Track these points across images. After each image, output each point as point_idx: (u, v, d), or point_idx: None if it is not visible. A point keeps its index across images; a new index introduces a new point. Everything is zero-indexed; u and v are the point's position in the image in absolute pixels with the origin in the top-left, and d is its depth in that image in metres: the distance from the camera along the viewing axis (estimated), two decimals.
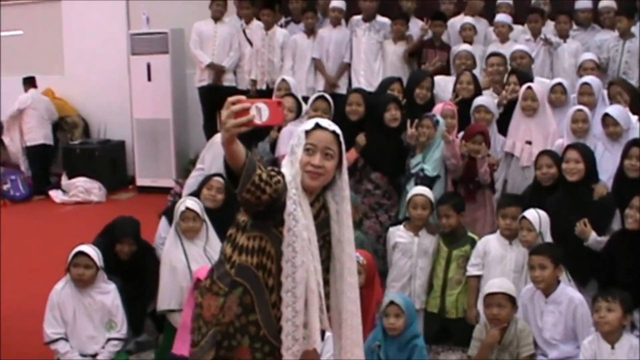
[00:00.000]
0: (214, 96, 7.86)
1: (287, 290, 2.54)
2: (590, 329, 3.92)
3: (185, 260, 4.42)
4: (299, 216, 2.51)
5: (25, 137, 9.31)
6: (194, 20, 8.32)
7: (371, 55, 7.37)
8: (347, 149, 3.11)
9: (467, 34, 6.92)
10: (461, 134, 5.26)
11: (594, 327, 3.86)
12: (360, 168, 5.25)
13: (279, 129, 5.41)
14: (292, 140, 2.62)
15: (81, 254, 4.17)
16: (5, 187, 9.08)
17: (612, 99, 5.46)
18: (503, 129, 5.49)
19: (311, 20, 7.58)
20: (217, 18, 8.12)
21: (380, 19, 7.42)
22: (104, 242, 4.53)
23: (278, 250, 2.54)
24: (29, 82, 9.31)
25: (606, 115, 4.97)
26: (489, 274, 4.47)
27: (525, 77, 5.66)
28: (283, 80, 6.35)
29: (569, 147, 4.71)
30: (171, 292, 4.40)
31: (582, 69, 6.12)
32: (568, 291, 4.10)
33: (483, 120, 5.33)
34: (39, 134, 9.26)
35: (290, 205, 2.51)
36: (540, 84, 5.59)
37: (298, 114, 5.62)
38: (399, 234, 4.78)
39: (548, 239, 4.33)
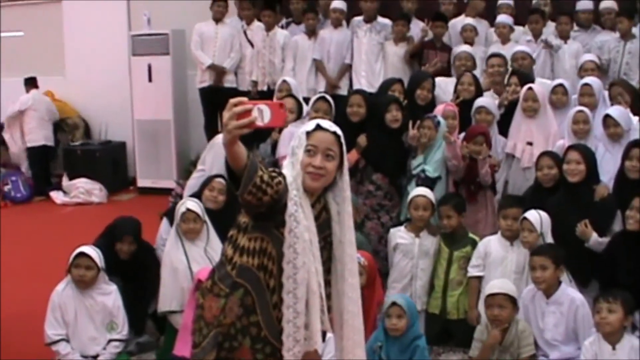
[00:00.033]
0: (215, 97, 7.88)
1: (288, 291, 2.54)
2: (592, 329, 3.92)
3: (186, 261, 4.42)
4: (300, 217, 2.52)
5: (25, 138, 9.31)
6: (195, 21, 8.32)
7: (372, 56, 7.37)
8: (348, 150, 3.11)
9: (468, 35, 6.93)
10: (462, 134, 5.26)
11: (595, 328, 3.86)
12: (362, 169, 5.26)
13: (280, 131, 5.40)
14: (293, 141, 2.62)
15: (82, 255, 4.17)
16: (6, 188, 9.09)
17: (613, 100, 5.46)
18: (504, 130, 5.48)
19: (312, 21, 7.58)
20: (218, 19, 8.13)
21: (381, 20, 7.43)
22: (105, 242, 4.53)
23: (279, 252, 2.54)
24: (31, 83, 9.32)
25: (607, 116, 4.97)
26: (490, 275, 4.48)
27: (526, 78, 5.65)
28: (284, 81, 6.34)
29: (569, 148, 4.70)
30: (172, 293, 4.41)
31: (582, 70, 6.12)
32: (569, 292, 4.10)
33: (484, 121, 5.33)
34: (39, 135, 9.26)
35: (291, 206, 2.51)
36: (541, 85, 5.59)
37: (299, 115, 5.62)
38: (400, 235, 4.78)
39: (549, 239, 4.33)
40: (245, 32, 8.04)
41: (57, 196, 9.00)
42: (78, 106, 9.95)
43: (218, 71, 8.05)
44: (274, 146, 5.51)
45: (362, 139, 5.22)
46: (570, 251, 4.27)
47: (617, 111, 5.01)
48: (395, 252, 4.79)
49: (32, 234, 7.51)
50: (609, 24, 7.02)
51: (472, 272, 4.60)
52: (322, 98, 5.60)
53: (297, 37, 7.69)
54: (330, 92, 7.12)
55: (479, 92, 5.76)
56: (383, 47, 7.36)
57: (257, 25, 7.94)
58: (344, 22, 7.61)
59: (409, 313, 3.94)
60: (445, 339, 4.69)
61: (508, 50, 6.41)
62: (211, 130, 7.84)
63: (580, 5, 7.19)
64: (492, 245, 4.57)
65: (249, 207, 2.51)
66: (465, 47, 6.59)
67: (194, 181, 5.39)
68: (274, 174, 2.48)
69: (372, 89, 6.74)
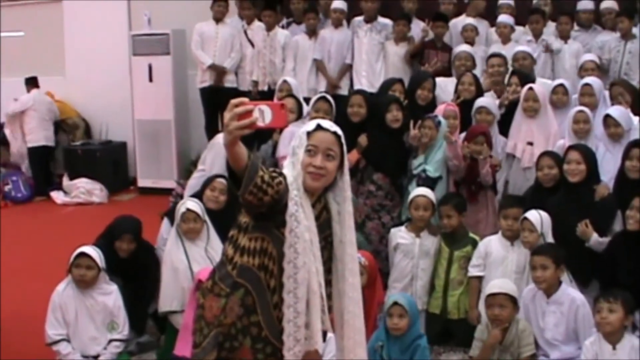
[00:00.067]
0: (216, 97, 7.89)
1: (288, 291, 2.54)
2: (592, 329, 3.92)
3: (186, 261, 4.42)
4: (300, 217, 2.52)
5: (26, 138, 9.32)
6: (195, 21, 8.33)
7: (373, 56, 7.38)
8: (349, 150, 3.11)
9: (469, 35, 6.93)
10: (463, 134, 5.26)
11: (595, 327, 3.86)
12: (362, 169, 5.26)
13: (281, 131, 5.40)
14: (294, 141, 2.62)
15: (83, 255, 4.17)
16: (6, 188, 9.09)
17: (614, 100, 5.46)
18: (504, 130, 5.48)
19: (313, 21, 7.58)
20: (218, 19, 8.13)
21: (381, 20, 7.43)
22: (105, 242, 4.53)
23: (280, 252, 2.54)
24: (32, 83, 9.32)
25: (607, 116, 4.97)
26: (490, 274, 4.48)
27: (526, 78, 5.65)
28: (284, 81, 6.34)
29: (570, 148, 4.70)
30: (173, 293, 4.41)
31: (582, 70, 6.12)
32: (570, 292, 4.10)
33: (484, 121, 5.33)
34: (39, 135, 9.26)
35: (292, 206, 2.51)
36: (542, 85, 5.59)
37: (299, 115, 5.62)
38: (400, 235, 4.78)
39: (550, 239, 4.33)
40: (245, 32, 8.04)
41: (57, 196, 9.00)
42: (78, 106, 9.96)
43: (218, 71, 8.05)
44: (275, 147, 5.51)
45: (362, 139, 5.22)
46: (571, 251, 4.27)
47: (618, 111, 5.01)
48: (395, 252, 4.79)
49: (32, 234, 7.51)
50: (610, 24, 7.02)
51: (473, 272, 4.60)
52: (323, 98, 5.60)
53: (298, 37, 7.69)
54: (331, 92, 7.13)
55: (480, 92, 5.75)
56: (384, 47, 7.36)
57: (258, 25, 7.94)
58: (345, 22, 7.61)
59: (411, 312, 3.94)
60: (445, 338, 4.69)
61: (509, 50, 6.41)
62: (212, 130, 7.84)
63: (581, 5, 7.19)
64: (492, 245, 4.57)
65: (249, 207, 2.51)
66: (465, 47, 6.58)
67: (195, 181, 5.40)
68: (274, 174, 2.48)
69: (372, 89, 6.75)
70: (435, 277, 4.76)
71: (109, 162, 9.41)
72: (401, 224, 4.93)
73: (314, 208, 2.61)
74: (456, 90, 5.84)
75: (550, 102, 5.45)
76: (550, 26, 7.11)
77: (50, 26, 10.04)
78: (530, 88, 5.35)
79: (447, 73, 6.68)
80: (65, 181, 9.12)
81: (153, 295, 4.57)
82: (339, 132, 2.61)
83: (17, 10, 10.12)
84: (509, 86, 5.70)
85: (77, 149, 9.48)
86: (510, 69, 6.03)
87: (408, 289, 4.70)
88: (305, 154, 2.56)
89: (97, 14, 9.63)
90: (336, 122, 2.81)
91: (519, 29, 7.11)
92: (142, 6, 9.29)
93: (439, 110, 5.36)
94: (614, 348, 3.73)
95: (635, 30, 6.71)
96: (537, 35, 6.88)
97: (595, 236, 4.43)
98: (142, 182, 9.22)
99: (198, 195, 4.79)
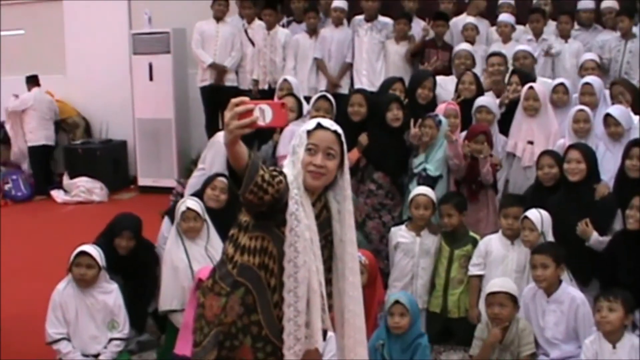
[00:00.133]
0: (216, 96, 7.89)
1: (289, 290, 2.55)
2: (592, 328, 3.92)
3: (186, 260, 4.43)
4: (301, 216, 2.52)
5: (26, 137, 9.33)
6: (195, 20, 8.33)
7: (373, 55, 7.38)
8: (349, 149, 3.11)
9: (469, 34, 6.93)
10: (463, 133, 5.26)
11: (595, 326, 3.86)
12: (363, 168, 5.25)
13: (281, 131, 5.40)
14: (294, 140, 2.62)
15: (83, 253, 4.17)
16: (6, 186, 9.10)
17: (614, 99, 5.46)
18: (505, 129, 5.48)
19: (313, 20, 7.59)
20: (219, 18, 8.13)
21: (382, 19, 7.43)
22: (105, 241, 4.53)
23: (280, 250, 2.55)
24: (32, 81, 9.33)
25: (608, 115, 4.96)
26: (490, 273, 4.48)
27: (527, 77, 5.65)
28: (285, 80, 6.33)
29: (570, 147, 4.70)
30: (173, 292, 4.41)
31: (583, 69, 6.12)
32: (570, 291, 4.10)
33: (484, 120, 5.32)
34: (40, 134, 9.28)
35: (292, 205, 2.51)
36: (542, 84, 5.58)
37: (299, 114, 5.61)
38: (400, 234, 4.78)
39: (550, 238, 4.33)
40: (246, 31, 8.04)
41: (57, 195, 9.02)
42: (79, 105, 9.97)
43: (219, 70, 8.05)
44: (276, 148, 5.51)
45: (363, 138, 5.22)
46: (571, 250, 4.28)
47: (618, 110, 5.01)
48: (396, 251, 4.79)
49: (32, 232, 7.52)
50: (610, 23, 7.02)
51: (473, 270, 4.61)
52: (323, 97, 5.60)
53: (298, 35, 7.69)
54: (332, 91, 7.13)
55: (480, 91, 5.75)
56: (384, 46, 7.37)
57: (258, 24, 7.94)
58: (345, 21, 7.61)
59: (412, 311, 3.94)
60: (446, 337, 4.70)
61: (509, 50, 6.41)
62: (212, 129, 7.84)
63: (581, 5, 7.20)
64: (492, 244, 4.58)
65: (250, 207, 2.51)
66: (465, 46, 6.58)
67: (195, 180, 5.40)
68: (274, 173, 2.49)
69: (373, 88, 6.75)
70: (436, 276, 4.76)
71: (109, 161, 9.42)
72: (402, 223, 4.93)
73: (314, 207, 2.61)
74: (457, 90, 5.84)
75: (551, 101, 5.45)
76: (551, 25, 7.11)
77: (50, 25, 10.05)
78: (531, 87, 5.34)
79: (447, 72, 6.67)
80: (66, 180, 9.13)
81: (153, 294, 4.58)
82: (339, 130, 2.62)
83: (18, 8, 10.12)
84: (509, 85, 5.70)
85: (78, 148, 9.50)
86: (511, 68, 6.03)
87: (408, 288, 4.70)
88: (306, 153, 2.56)
89: (98, 12, 9.63)
90: (337, 121, 2.81)
91: (519, 28, 7.11)
92: (142, 5, 9.30)
93: (440, 109, 5.36)
94: (614, 347, 3.74)
95: (635, 29, 6.71)
96: (537, 34, 6.89)
97: (595, 235, 4.43)
98: (142, 181, 9.23)
99: (199, 194, 4.79)
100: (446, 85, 6.16)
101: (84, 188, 8.90)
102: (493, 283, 4.11)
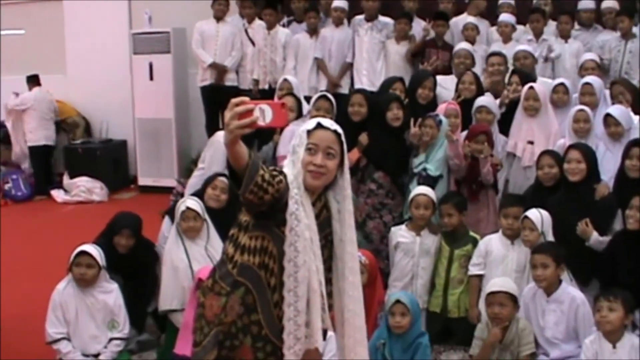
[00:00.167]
0: (216, 96, 7.90)
1: (289, 289, 2.55)
2: (592, 328, 3.92)
3: (186, 260, 4.43)
4: (301, 216, 2.52)
5: (27, 137, 9.32)
6: (196, 20, 8.33)
7: (373, 55, 7.38)
8: (349, 149, 3.11)
9: (470, 34, 6.93)
10: (464, 133, 5.26)
11: (595, 326, 3.86)
12: (363, 168, 5.25)
13: (282, 132, 5.40)
14: (294, 140, 2.63)
15: (83, 253, 4.17)
16: (6, 186, 9.10)
17: (614, 99, 5.46)
18: (505, 129, 5.48)
19: (313, 20, 7.59)
20: (219, 17, 8.13)
21: (382, 18, 7.44)
22: (105, 240, 4.53)
23: (280, 250, 2.55)
24: (33, 81, 9.32)
25: (608, 115, 4.96)
26: (490, 273, 4.48)
27: (527, 77, 5.65)
28: (285, 80, 6.34)
29: (570, 147, 4.71)
30: (173, 292, 4.41)
31: (583, 69, 6.12)
32: (570, 290, 4.10)
33: (484, 120, 5.32)
34: (40, 134, 9.27)
35: (292, 204, 2.51)
36: (542, 84, 5.58)
37: (299, 113, 5.62)
38: (401, 234, 4.78)
39: (550, 238, 4.33)
40: (246, 31, 8.04)
41: (58, 195, 9.02)
42: (79, 105, 9.96)
43: (219, 70, 8.05)
44: (276, 148, 5.51)
45: (363, 138, 5.22)
46: (571, 250, 4.28)
47: (618, 110, 5.01)
48: (396, 250, 4.79)
49: (33, 232, 7.52)
50: (610, 23, 7.02)
51: (473, 270, 4.61)
52: (324, 97, 5.60)
53: (299, 35, 7.69)
54: (332, 90, 7.13)
55: (480, 91, 5.75)
56: (384, 46, 7.37)
57: (259, 23, 7.94)
58: (345, 21, 7.61)
59: (412, 311, 3.94)
60: (446, 337, 4.70)
61: (509, 50, 6.41)
62: (212, 129, 7.83)
63: (581, 5, 7.20)
64: (493, 243, 4.58)
65: (250, 206, 2.51)
66: (464, 45, 6.57)
67: (195, 179, 5.40)
68: (275, 173, 2.49)
69: (373, 87, 6.76)
70: (436, 276, 4.76)
71: (110, 161, 9.42)
72: (402, 222, 4.93)
73: (314, 206, 2.61)
74: (457, 89, 5.84)
75: (551, 101, 5.45)
76: (551, 25, 7.11)
77: (50, 24, 10.04)
78: (531, 87, 5.34)
79: (447, 72, 6.67)
80: (66, 180, 9.13)
81: (153, 293, 4.58)
82: (339, 130, 2.62)
83: (18, 8, 10.12)
84: (509, 85, 5.70)
85: (78, 148, 9.50)
86: (511, 68, 6.03)
87: (408, 288, 4.70)
88: (306, 153, 2.56)
89: (98, 12, 9.63)
90: (337, 120, 2.81)
91: (519, 28, 7.11)
92: (142, 5, 9.30)
93: (441, 109, 5.36)
94: (614, 347, 3.74)
95: (635, 29, 6.71)
96: (537, 34, 6.89)
97: (595, 235, 4.43)
98: (142, 181, 9.23)
99: (199, 193, 4.79)
100: (446, 85, 6.15)
101: (84, 188, 8.90)
102: (493, 283, 4.11)
